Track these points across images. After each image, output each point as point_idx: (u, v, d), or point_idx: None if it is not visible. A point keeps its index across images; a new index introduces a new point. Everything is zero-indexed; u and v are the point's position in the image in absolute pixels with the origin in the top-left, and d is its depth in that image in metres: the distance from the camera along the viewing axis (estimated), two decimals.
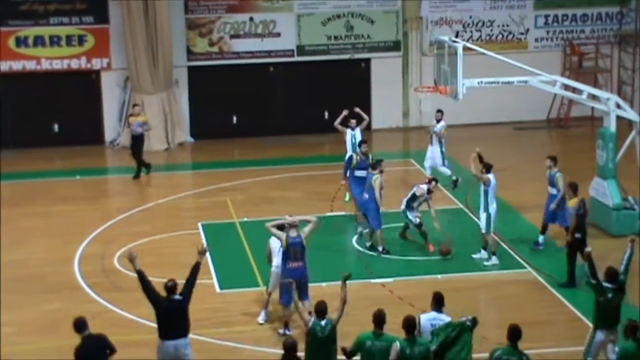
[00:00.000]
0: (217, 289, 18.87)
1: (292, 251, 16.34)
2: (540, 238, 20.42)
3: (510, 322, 15.83)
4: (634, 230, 20.80)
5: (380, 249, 20.17)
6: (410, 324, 12.74)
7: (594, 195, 21.82)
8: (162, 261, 20.00)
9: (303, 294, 16.13)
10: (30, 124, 26.03)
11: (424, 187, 20.56)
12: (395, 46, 31.23)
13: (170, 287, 14.10)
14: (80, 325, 13.40)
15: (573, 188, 18.77)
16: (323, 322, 13.44)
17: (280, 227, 16.49)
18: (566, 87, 22.92)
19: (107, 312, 17.88)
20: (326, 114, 31.12)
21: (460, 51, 20.88)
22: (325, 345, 13.44)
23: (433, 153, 24.64)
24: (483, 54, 22.02)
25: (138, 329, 17.12)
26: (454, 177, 24.46)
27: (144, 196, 24.96)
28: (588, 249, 15.54)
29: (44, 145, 28.88)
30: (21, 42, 29.28)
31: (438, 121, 24.43)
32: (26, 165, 25.79)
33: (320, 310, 13.47)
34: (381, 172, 20.36)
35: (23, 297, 18.54)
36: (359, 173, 21.32)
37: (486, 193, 19.57)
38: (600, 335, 14.62)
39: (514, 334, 12.58)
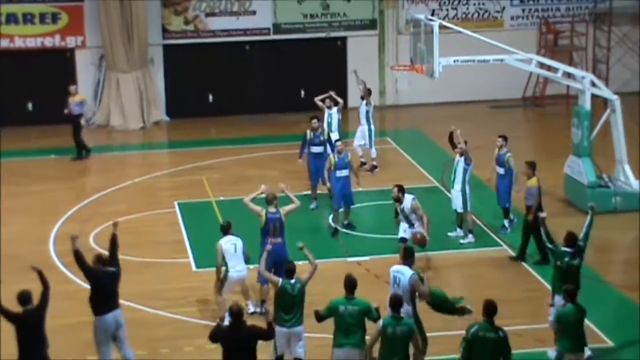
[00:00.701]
0: (194, 268, 18.85)
1: (271, 227, 16.30)
2: (506, 222, 20.43)
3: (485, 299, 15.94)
4: (608, 208, 20.94)
5: (340, 225, 20.17)
6: (396, 302, 12.84)
7: (569, 173, 21.92)
8: (139, 240, 19.97)
9: (281, 272, 16.02)
10: (4, 102, 25.82)
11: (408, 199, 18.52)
12: (371, 24, 31.16)
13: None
14: (24, 298, 13.66)
15: (532, 167, 18.69)
16: (292, 281, 13.89)
17: (270, 202, 16.49)
18: (542, 66, 22.97)
19: (83, 291, 17.70)
20: (302, 92, 31.10)
21: (436, 29, 20.85)
22: (295, 303, 13.83)
23: (363, 132, 24.51)
24: (459, 32, 22.00)
25: None
26: (374, 163, 24.44)
27: (120, 175, 24.84)
28: (542, 214, 15.81)
29: (18, 124, 28.65)
30: None
31: (364, 100, 24.49)
32: (1, 144, 25.62)
33: (290, 270, 13.92)
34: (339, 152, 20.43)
35: None
36: (315, 149, 21.74)
37: (465, 171, 19.57)
38: (559, 299, 14.78)
39: (490, 309, 12.61)
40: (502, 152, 20.23)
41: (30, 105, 29.93)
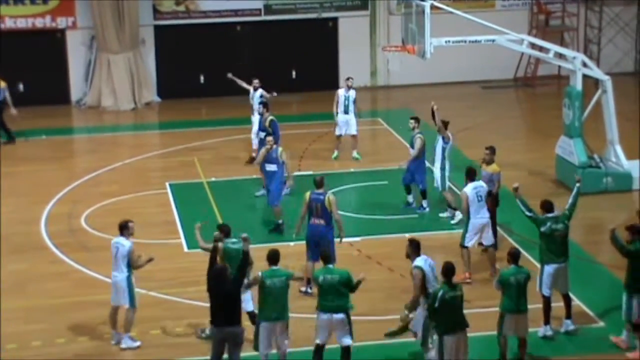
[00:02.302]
0: (185, 249, 18.80)
1: (314, 207, 16.26)
2: (410, 198, 20.39)
3: (475, 280, 15.99)
4: (599, 188, 20.93)
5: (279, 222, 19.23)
6: (449, 270, 13.33)
7: (560, 154, 21.89)
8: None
9: (318, 254, 15.55)
10: None
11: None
12: (362, 5, 31.03)
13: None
14: None
15: (492, 152, 18.22)
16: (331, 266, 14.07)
17: (319, 183, 16.52)
18: (533, 46, 22.88)
19: (74, 272, 17.77)
20: (293, 73, 31.01)
21: (427, 10, 20.76)
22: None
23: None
24: (451, 12, 21.90)
25: (105, 288, 16.92)
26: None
27: (111, 156, 24.72)
28: (515, 184, 15.76)
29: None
30: None
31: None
32: None
33: (325, 256, 14.14)
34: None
35: None
36: (260, 134, 21.27)
37: (444, 150, 19.50)
38: (548, 269, 14.92)
39: (448, 271, 13.28)
40: (413, 133, 20.00)
41: (21, 86, 29.74)
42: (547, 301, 15.03)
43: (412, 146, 20.07)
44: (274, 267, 13.80)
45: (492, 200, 17.98)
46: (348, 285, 13.78)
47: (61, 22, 29.55)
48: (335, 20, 31.11)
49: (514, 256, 14.13)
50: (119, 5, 28.95)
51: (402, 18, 22.82)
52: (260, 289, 13.70)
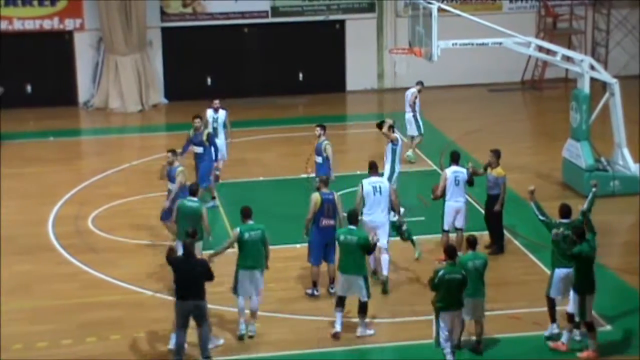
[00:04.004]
0: None
1: (325, 208, 16.18)
2: None
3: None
4: (606, 192, 20.88)
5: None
6: (452, 251, 14.08)
7: (567, 157, 21.85)
8: (136, 222, 19.94)
9: (331, 254, 16.21)
10: (2, 84, 25.72)
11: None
12: (369, 7, 31.04)
13: None
14: None
15: (497, 156, 18.09)
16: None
17: (325, 183, 16.48)
18: (540, 49, 22.88)
19: (81, 274, 17.78)
20: (300, 75, 31.03)
21: (434, 12, 20.75)
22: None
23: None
24: (458, 15, 21.90)
25: (112, 289, 17.05)
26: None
27: (118, 158, 24.75)
28: (531, 187, 15.73)
29: (17, 106, 28.53)
30: None
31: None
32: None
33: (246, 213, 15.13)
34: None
35: None
36: (196, 149, 20.44)
37: (394, 152, 19.42)
38: (559, 272, 14.83)
39: (451, 252, 13.98)
40: (320, 140, 19.74)
41: (29, 88, 29.84)
42: (551, 302, 14.97)
43: (319, 154, 19.59)
44: (250, 222, 14.99)
45: (498, 203, 18.00)
46: (365, 247, 14.80)
47: (69, 23, 29.61)
48: (342, 22, 31.11)
49: (471, 242, 14.49)
50: (126, 7, 29.01)
51: (409, 20, 22.83)
52: (238, 242, 14.85)
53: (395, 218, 17.09)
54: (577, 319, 14.52)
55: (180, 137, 26.31)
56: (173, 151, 18.61)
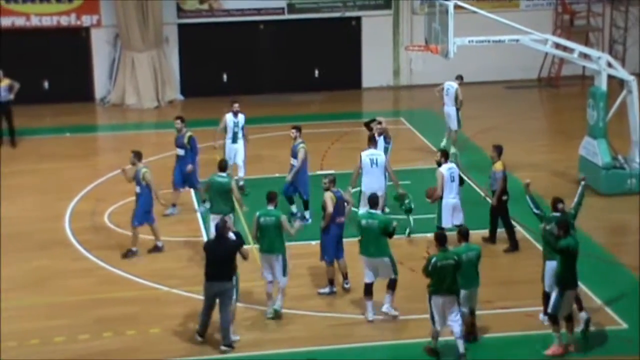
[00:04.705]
0: None
1: (340, 204, 16.33)
2: (293, 208, 19.71)
3: (496, 280, 15.97)
4: (623, 190, 20.84)
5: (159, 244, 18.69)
6: (443, 238, 14.32)
7: (584, 155, 21.81)
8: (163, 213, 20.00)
9: (341, 250, 16.42)
10: (20, 80, 25.88)
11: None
12: (386, 4, 31.04)
13: None
14: None
15: (498, 151, 18.29)
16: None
17: (334, 181, 16.47)
18: (557, 46, 22.83)
19: (97, 269, 17.88)
20: (316, 72, 31.06)
21: (451, 9, 20.74)
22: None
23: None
24: (474, 12, 21.87)
25: (128, 285, 17.14)
26: None
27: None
28: (527, 180, 15.87)
29: (34, 102, 28.67)
30: None
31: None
32: (15, 121, 25.63)
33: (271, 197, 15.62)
34: None
35: (12, 254, 18.50)
36: (178, 151, 20.33)
37: (386, 150, 19.52)
38: (550, 264, 14.87)
39: (442, 239, 14.23)
40: (296, 142, 19.61)
41: (46, 84, 30.00)
42: (546, 294, 15.00)
43: (295, 156, 19.51)
44: (270, 207, 15.43)
45: (495, 199, 18.14)
46: (386, 230, 15.13)
47: (86, 20, 29.74)
48: (358, 19, 31.14)
49: (463, 234, 14.61)
50: (143, 3, 29.11)
51: (426, 17, 22.83)
52: (256, 226, 15.34)
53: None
54: (549, 310, 14.44)
55: (196, 134, 26.47)
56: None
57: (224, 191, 17.22)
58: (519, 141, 25.18)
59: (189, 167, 20.10)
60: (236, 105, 21.38)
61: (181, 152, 20.17)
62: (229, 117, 21.27)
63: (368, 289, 15.42)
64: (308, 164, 19.81)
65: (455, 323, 14.17)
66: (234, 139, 21.12)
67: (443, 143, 23.63)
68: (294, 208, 19.75)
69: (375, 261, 15.34)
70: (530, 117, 28.35)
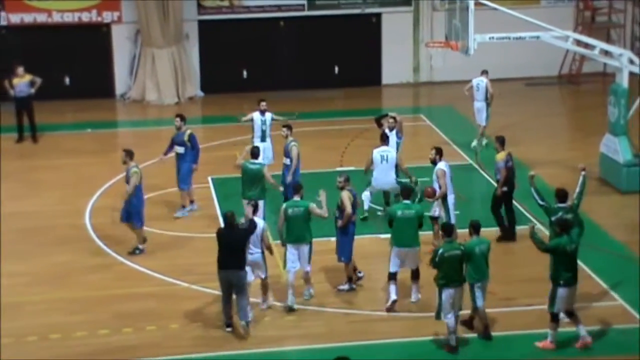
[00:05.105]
0: None
1: (354, 203, 16.47)
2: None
3: (516, 279, 15.92)
4: None
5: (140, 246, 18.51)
6: (448, 228, 14.66)
7: (604, 152, 21.70)
8: (172, 214, 20.09)
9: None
10: (41, 76, 26.00)
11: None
12: (406, 1, 30.98)
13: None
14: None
15: (500, 142, 18.47)
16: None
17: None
18: (578, 43, 22.74)
19: (117, 265, 17.95)
20: (336, 68, 31.04)
21: (471, 6, 20.70)
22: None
23: None
24: (495, 9, 21.81)
25: (148, 281, 17.20)
26: None
27: (155, 150, 24.80)
28: (531, 172, 16.14)
29: (55, 98, 28.77)
30: None
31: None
32: (37, 117, 25.74)
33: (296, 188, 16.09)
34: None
35: (33, 248, 18.62)
36: (177, 149, 20.15)
37: (398, 145, 19.73)
38: None
39: (448, 230, 14.55)
40: (288, 141, 19.58)
41: (67, 80, 30.12)
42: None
43: (288, 155, 19.46)
44: (296, 198, 15.85)
45: (499, 189, 18.28)
46: (420, 220, 15.71)
47: (107, 16, 29.83)
48: (378, 16, 31.09)
49: (475, 227, 14.73)
50: (163, 0, 29.16)
51: (446, 14, 22.77)
52: (284, 217, 15.60)
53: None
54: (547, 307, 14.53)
55: (216, 130, 26.62)
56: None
57: (256, 178, 17.94)
58: (539, 138, 25.12)
59: (194, 166, 20.04)
60: (263, 103, 21.28)
61: (181, 149, 20.04)
62: (256, 116, 21.15)
63: (393, 277, 15.75)
64: (301, 162, 19.71)
65: (452, 318, 14.40)
66: (263, 138, 21.05)
67: (482, 142, 23.89)
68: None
69: (408, 251, 15.69)
70: (550, 114, 28.24)
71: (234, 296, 15.02)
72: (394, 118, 20.04)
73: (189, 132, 20.10)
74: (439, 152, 18.03)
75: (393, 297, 15.65)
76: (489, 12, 21.83)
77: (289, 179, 19.22)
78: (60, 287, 16.98)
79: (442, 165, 17.83)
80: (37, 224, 19.85)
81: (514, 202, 18.77)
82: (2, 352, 14.70)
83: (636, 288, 16.38)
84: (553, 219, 15.17)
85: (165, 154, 20.39)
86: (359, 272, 16.75)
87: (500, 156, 18.33)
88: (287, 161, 19.46)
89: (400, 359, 14.60)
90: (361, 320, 15.58)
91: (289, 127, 19.79)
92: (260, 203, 17.05)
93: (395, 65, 31.16)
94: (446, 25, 22.48)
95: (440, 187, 17.68)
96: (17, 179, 23.02)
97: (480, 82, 24.13)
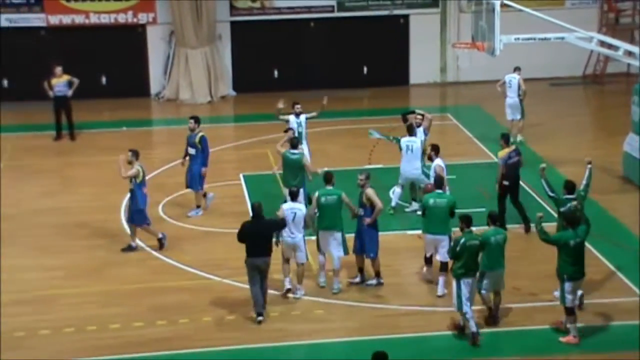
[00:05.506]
0: None
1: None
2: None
3: (542, 275, 15.79)
4: None
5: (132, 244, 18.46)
6: (469, 220, 14.59)
7: (628, 151, 21.52)
8: (206, 211, 20.10)
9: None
10: (78, 76, 26.14)
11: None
12: (433, 3, 30.88)
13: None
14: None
15: (505, 139, 18.75)
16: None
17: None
18: (602, 44, 22.56)
19: (151, 259, 18.01)
20: (365, 68, 30.99)
21: (497, 8, 20.60)
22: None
23: None
24: (520, 10, 21.68)
25: (181, 275, 17.25)
26: None
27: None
28: (542, 165, 16.36)
29: (92, 97, 28.91)
30: None
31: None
32: (74, 116, 25.86)
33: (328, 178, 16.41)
34: None
35: (69, 243, 18.72)
36: (190, 150, 20.00)
37: (422, 143, 19.73)
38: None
39: (467, 221, 14.55)
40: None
41: (103, 79, 30.27)
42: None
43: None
44: (329, 187, 16.15)
45: (498, 183, 18.47)
46: (452, 209, 15.82)
47: (142, 17, 29.95)
48: (406, 17, 31.00)
49: (493, 218, 14.92)
50: (197, 2, 29.25)
51: (472, 16, 22.67)
52: (317, 205, 15.94)
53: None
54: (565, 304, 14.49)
55: (248, 128, 26.65)
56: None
57: (296, 167, 18.44)
58: (563, 137, 24.97)
59: (203, 170, 19.81)
60: (298, 106, 21.20)
61: (192, 151, 19.93)
62: (292, 119, 21.05)
63: (428, 261, 16.32)
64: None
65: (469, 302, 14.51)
66: (299, 139, 21.02)
67: (519, 138, 24.02)
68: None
69: (438, 239, 15.91)
70: (575, 114, 28.05)
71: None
72: (422, 115, 20.13)
73: (200, 134, 19.94)
74: (434, 149, 18.20)
75: (427, 275, 16.35)
76: (515, 13, 21.71)
77: (309, 178, 19.10)
78: (96, 281, 17.07)
79: (439, 161, 18.00)
80: (73, 220, 19.96)
81: (520, 198, 18.84)
82: (41, 342, 14.81)
83: None
84: (561, 209, 15.52)
85: (185, 156, 20.23)
86: (381, 279, 16.57)
87: (502, 153, 18.52)
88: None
89: (428, 352, 14.55)
90: (390, 314, 15.55)
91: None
92: (301, 190, 17.55)
93: (422, 66, 31.07)
94: (472, 27, 22.38)
95: (441, 181, 17.54)
96: (55, 175, 23.20)
97: (513, 79, 24.18)
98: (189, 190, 20.32)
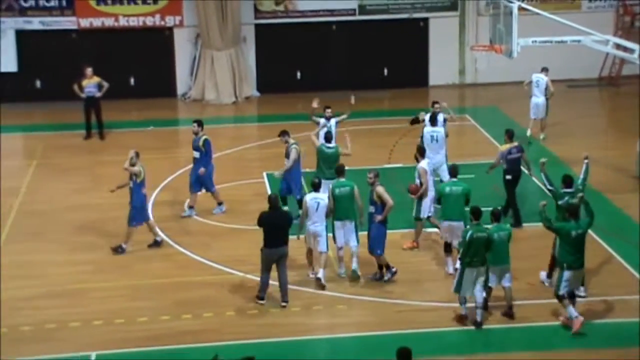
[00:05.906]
0: None
1: None
2: (285, 209, 19.21)
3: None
4: None
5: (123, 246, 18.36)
6: (478, 213, 14.79)
7: None
8: (230, 208, 20.19)
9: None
10: (108, 77, 26.30)
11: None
12: (452, 6, 30.83)
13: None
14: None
15: (509, 135, 18.90)
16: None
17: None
18: (618, 47, 22.47)
19: (177, 255, 18.10)
20: (385, 70, 30.99)
21: (515, 11, 20.58)
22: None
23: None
24: (537, 13, 21.65)
25: (206, 270, 17.33)
26: None
27: (213, 146, 24.99)
28: (543, 159, 16.49)
29: (121, 97, 29.04)
30: (101, 0, 29.49)
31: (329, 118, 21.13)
32: (104, 115, 25.99)
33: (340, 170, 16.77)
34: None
35: (98, 239, 18.83)
36: (194, 154, 19.89)
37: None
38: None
39: (477, 214, 14.72)
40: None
41: (132, 80, 30.41)
42: (554, 259, 15.48)
43: (288, 157, 19.39)
44: (342, 179, 16.46)
45: (490, 168, 18.88)
46: (467, 196, 16.22)
47: (169, 20, 30.07)
48: (426, 20, 30.97)
49: (496, 215, 15.03)
50: (222, 5, 29.32)
51: (490, 19, 22.69)
52: (332, 196, 16.19)
53: None
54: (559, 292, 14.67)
55: (271, 128, 26.64)
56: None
57: (331, 160, 18.61)
58: (579, 137, 24.89)
59: (201, 170, 19.66)
60: (328, 110, 21.07)
61: (196, 154, 19.81)
62: (322, 122, 20.92)
63: (448, 248, 16.48)
64: (301, 164, 19.68)
65: (479, 293, 14.69)
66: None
67: (542, 136, 24.32)
68: (286, 209, 19.20)
69: (455, 225, 16.16)
70: (590, 115, 27.96)
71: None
72: (443, 104, 20.75)
73: (204, 137, 19.83)
74: (419, 151, 18.05)
75: (450, 270, 16.35)
76: (532, 16, 21.68)
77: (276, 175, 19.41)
78: (124, 275, 17.18)
79: (423, 164, 17.78)
80: (101, 216, 20.08)
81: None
82: (71, 334, 14.94)
83: None
84: (560, 202, 15.66)
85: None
86: (392, 268, 16.62)
87: (503, 147, 18.78)
88: (287, 162, 19.34)
89: (446, 347, 14.56)
90: (409, 310, 15.57)
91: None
92: (323, 181, 17.46)
93: (441, 68, 31.03)
94: (491, 30, 22.37)
95: (421, 185, 17.63)
96: (85, 173, 23.35)
97: (540, 79, 24.25)
98: (224, 185, 20.32)
